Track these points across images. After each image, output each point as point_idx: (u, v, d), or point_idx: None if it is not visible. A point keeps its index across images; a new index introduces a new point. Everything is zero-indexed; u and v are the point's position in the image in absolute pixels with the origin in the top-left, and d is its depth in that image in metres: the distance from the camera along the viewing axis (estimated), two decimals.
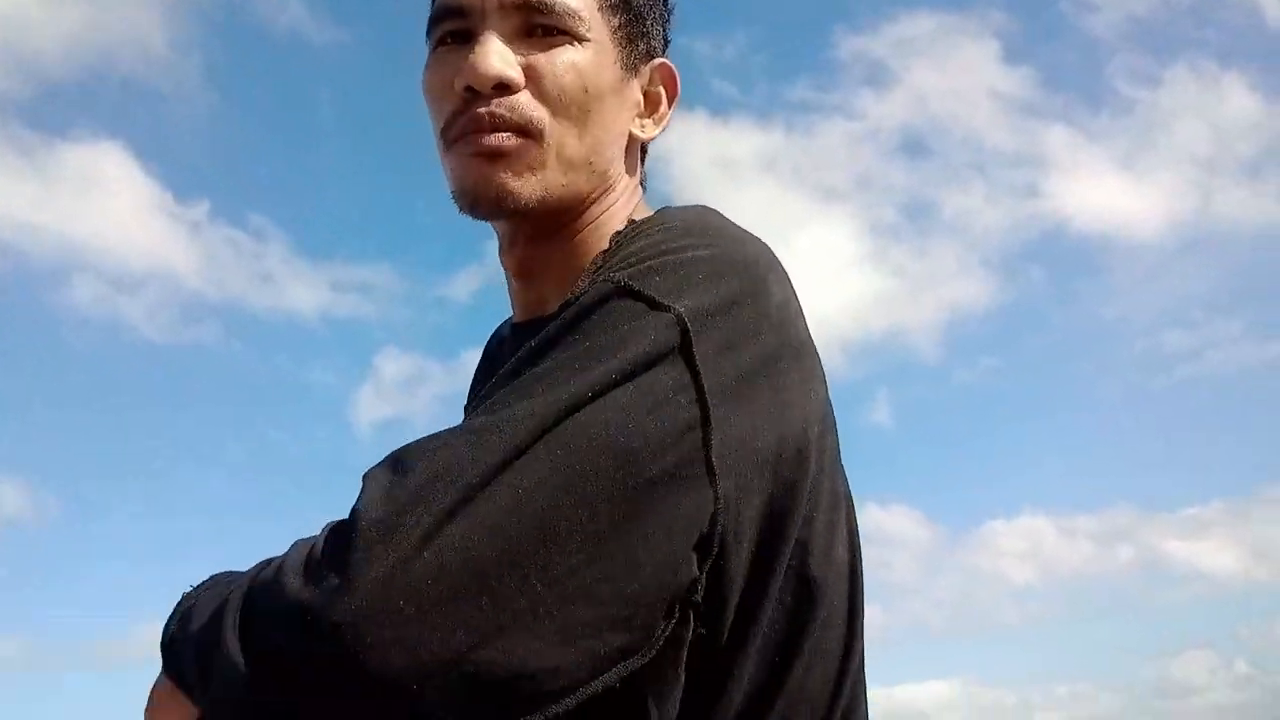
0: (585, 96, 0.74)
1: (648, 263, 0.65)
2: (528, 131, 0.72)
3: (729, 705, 0.66)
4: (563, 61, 0.73)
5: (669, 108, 0.83)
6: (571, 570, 0.54)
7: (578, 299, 0.64)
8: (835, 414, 0.76)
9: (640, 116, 0.82)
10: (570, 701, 0.54)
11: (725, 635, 0.64)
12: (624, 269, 0.65)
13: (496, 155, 0.72)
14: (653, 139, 0.84)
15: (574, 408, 0.57)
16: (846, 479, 0.78)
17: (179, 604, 0.65)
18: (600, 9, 0.76)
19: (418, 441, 0.58)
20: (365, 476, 0.57)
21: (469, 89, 0.72)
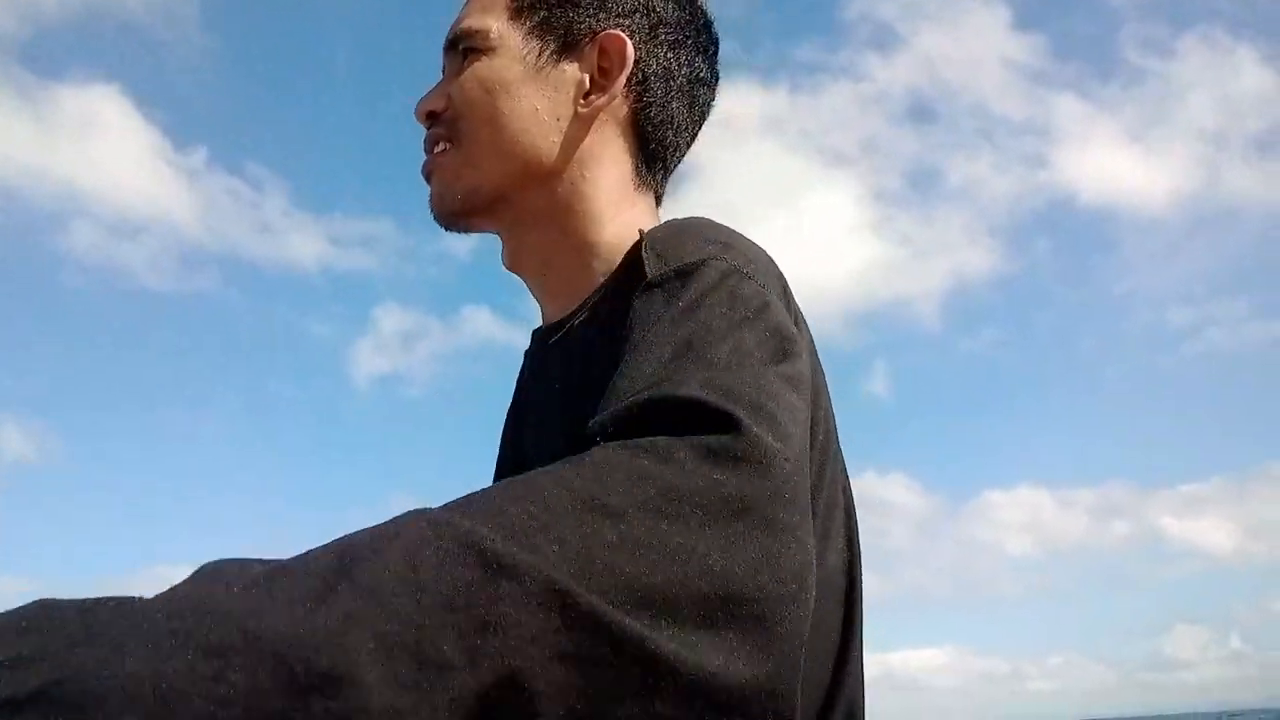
0: (488, 96, 0.81)
1: (731, 252, 0.69)
2: (447, 141, 0.83)
3: None
4: (467, 75, 0.82)
5: (619, 74, 0.82)
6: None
7: (684, 273, 0.66)
8: (831, 378, 0.77)
9: (588, 95, 0.83)
10: None
11: None
12: (708, 255, 0.68)
13: (429, 176, 0.85)
14: (598, 110, 0.83)
15: (803, 378, 0.62)
16: (849, 487, 0.78)
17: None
18: (511, 10, 0.83)
19: (734, 375, 0.57)
20: (717, 404, 0.53)
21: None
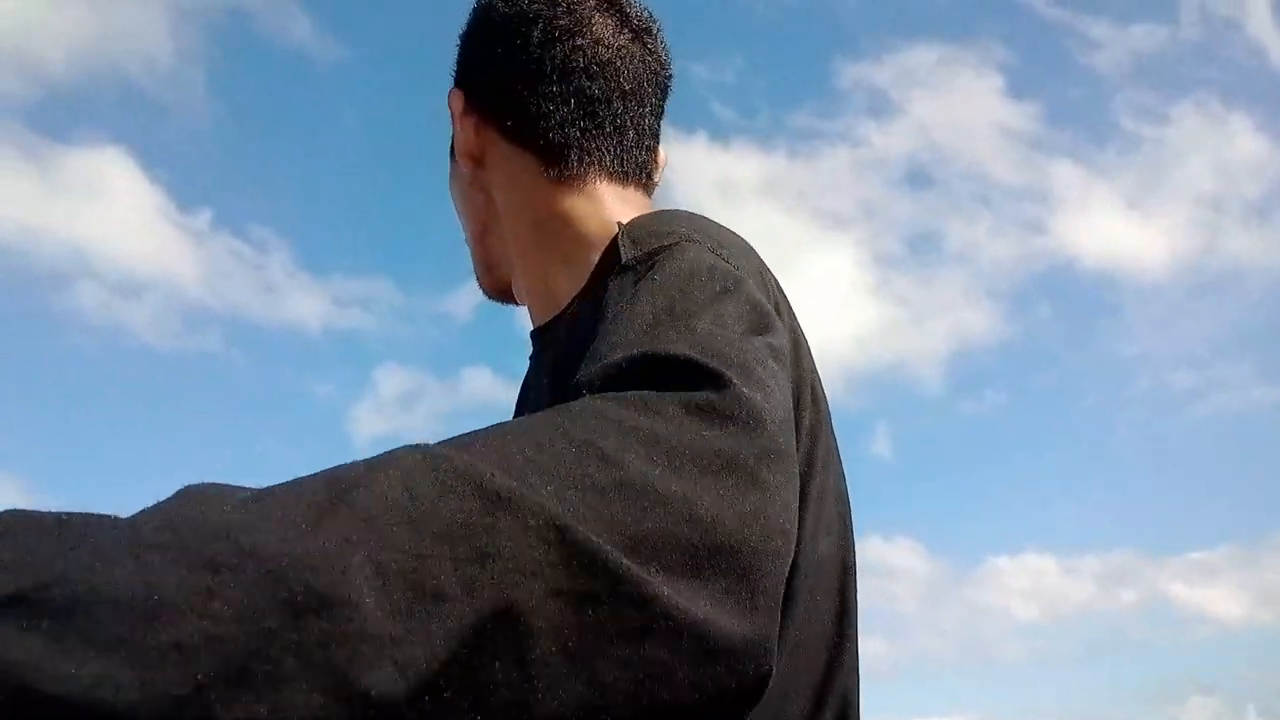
0: (457, 205, 0.96)
1: (700, 234, 0.69)
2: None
3: None
4: None
5: (465, 124, 0.88)
6: None
7: (654, 253, 0.67)
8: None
9: (470, 153, 0.89)
10: None
11: None
12: (684, 235, 0.69)
13: None
14: (467, 162, 0.89)
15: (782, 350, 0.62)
16: (844, 477, 0.78)
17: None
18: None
19: (712, 334, 0.56)
20: (704, 361, 0.53)
21: None
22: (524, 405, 0.94)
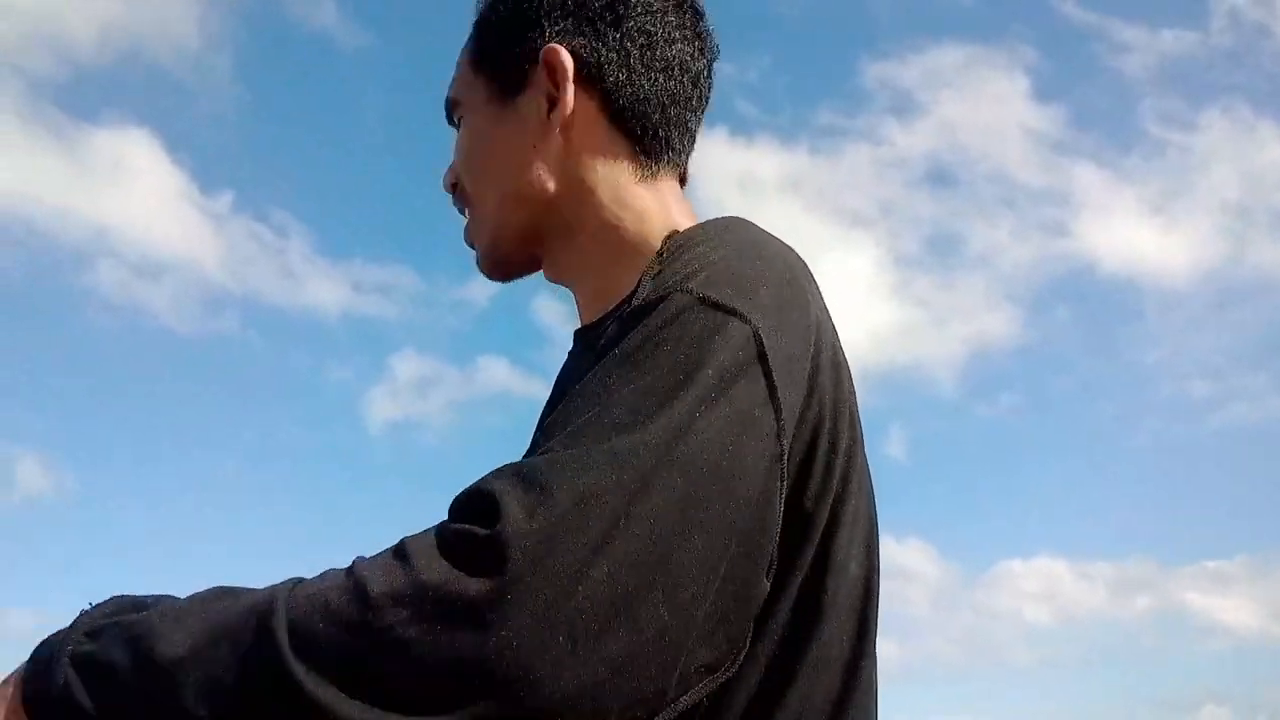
0: (473, 156, 0.88)
1: (711, 271, 0.68)
2: (466, 206, 0.90)
3: (734, 711, 0.66)
4: (458, 145, 0.90)
5: (563, 85, 0.83)
6: (692, 598, 0.58)
7: (652, 305, 0.67)
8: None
9: (551, 111, 0.83)
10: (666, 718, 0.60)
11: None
12: (690, 278, 0.68)
13: (469, 245, 0.91)
14: (554, 126, 0.83)
15: (685, 430, 0.60)
16: (873, 497, 0.78)
17: (77, 636, 0.61)
18: (474, 69, 0.89)
19: (548, 457, 0.59)
20: (492, 490, 0.57)
21: None
22: (557, 402, 0.91)
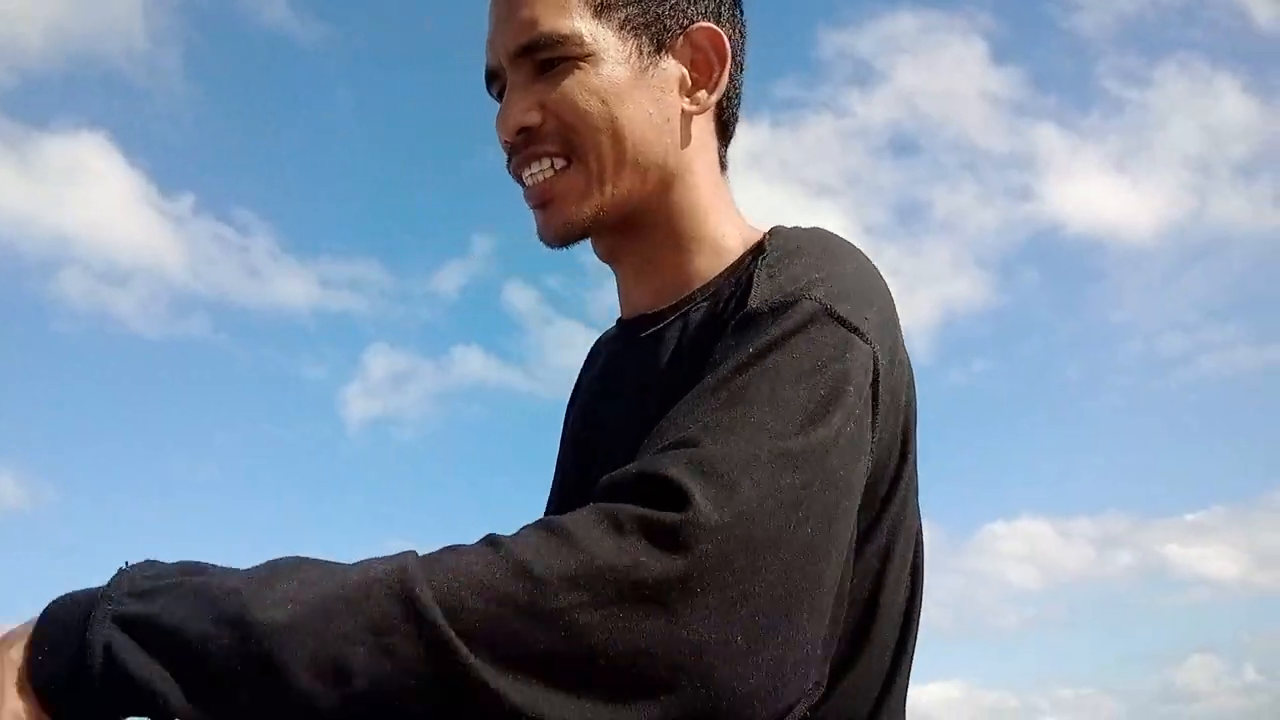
0: (603, 107, 0.77)
1: (831, 284, 0.69)
2: (559, 158, 0.78)
3: None
4: (571, 86, 0.77)
5: (721, 70, 0.81)
6: (826, 607, 0.59)
7: (779, 309, 0.67)
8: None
9: (690, 90, 0.81)
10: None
11: None
12: (814, 285, 0.69)
13: (545, 201, 0.80)
14: (708, 107, 0.83)
15: (833, 444, 0.61)
16: (919, 515, 0.79)
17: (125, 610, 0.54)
18: (594, 12, 0.78)
19: (722, 449, 0.58)
20: (672, 477, 0.56)
21: (506, 144, 0.81)
22: (595, 399, 0.90)
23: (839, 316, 0.66)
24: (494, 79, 0.83)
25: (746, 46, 0.87)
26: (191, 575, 0.55)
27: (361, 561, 0.55)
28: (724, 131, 0.87)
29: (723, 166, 0.87)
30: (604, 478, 0.60)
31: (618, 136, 0.77)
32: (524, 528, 0.56)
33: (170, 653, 0.51)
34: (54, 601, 0.55)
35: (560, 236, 0.80)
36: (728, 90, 0.84)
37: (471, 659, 0.50)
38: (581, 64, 0.77)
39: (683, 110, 0.80)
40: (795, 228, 0.79)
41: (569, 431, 0.94)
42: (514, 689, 0.50)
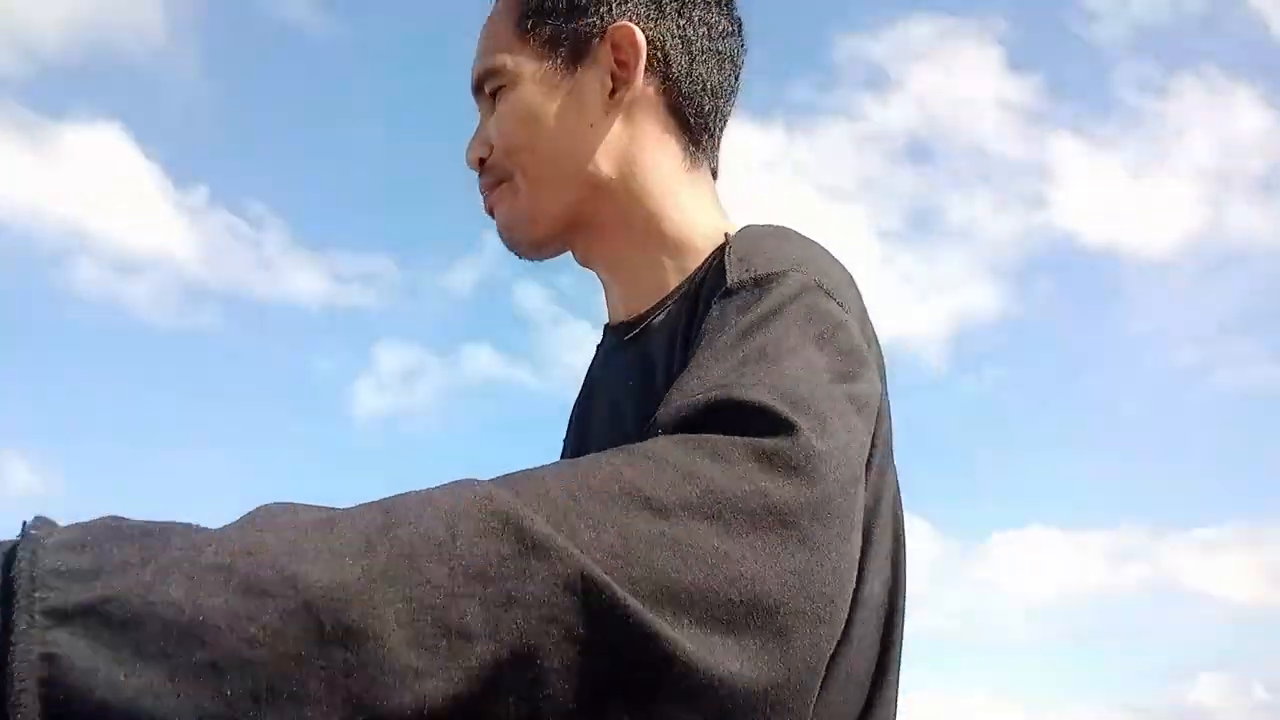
0: (522, 128, 0.81)
1: (810, 264, 0.69)
2: (501, 179, 0.84)
3: None
4: (500, 114, 0.82)
5: (636, 63, 0.81)
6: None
7: (764, 281, 0.66)
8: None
9: (613, 92, 0.82)
10: None
11: None
12: (799, 264, 0.68)
13: (495, 214, 0.85)
14: (625, 105, 0.82)
15: (868, 399, 0.62)
16: (901, 512, 0.77)
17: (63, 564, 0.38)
18: (519, 38, 0.82)
19: (793, 386, 0.56)
20: (772, 405, 0.53)
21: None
22: (590, 406, 0.90)
23: (826, 290, 0.67)
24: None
25: (715, 37, 0.85)
26: (145, 533, 0.41)
27: (397, 496, 0.45)
28: (687, 126, 0.84)
29: (699, 162, 0.85)
30: (660, 413, 0.56)
31: (537, 152, 0.81)
32: (593, 456, 0.50)
33: (171, 655, 0.37)
34: None
35: (511, 242, 0.85)
36: (679, 84, 0.83)
37: (627, 599, 0.43)
38: (507, 92, 0.82)
39: (607, 113, 0.81)
40: (762, 225, 0.79)
41: (571, 431, 0.94)
42: (682, 635, 0.43)
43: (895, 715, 0.74)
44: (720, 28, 0.86)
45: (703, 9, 0.85)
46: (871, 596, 0.70)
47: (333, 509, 0.44)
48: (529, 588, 0.42)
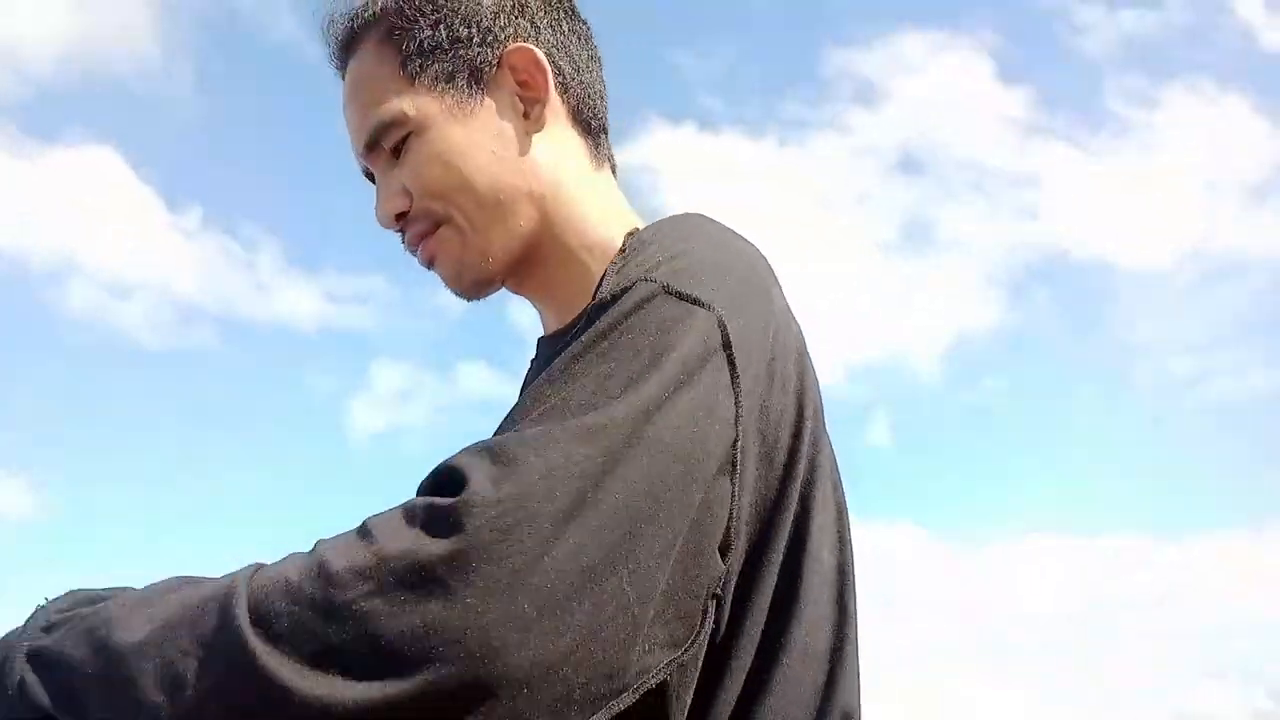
0: (447, 168, 0.80)
1: (674, 263, 0.69)
2: (437, 224, 0.82)
3: (724, 701, 0.67)
4: (415, 162, 0.81)
5: (545, 81, 0.83)
6: (652, 575, 0.58)
7: (617, 296, 0.67)
8: (832, 430, 0.79)
9: (526, 111, 0.83)
10: (629, 699, 0.58)
11: (722, 630, 0.67)
12: (655, 269, 0.68)
13: (431, 261, 0.84)
14: (545, 120, 0.83)
15: (652, 411, 0.61)
16: (841, 485, 0.79)
17: (27, 637, 0.62)
18: (408, 84, 0.81)
19: (516, 434, 0.59)
20: (458, 465, 0.58)
21: (394, 231, 0.86)
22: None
23: (677, 291, 0.66)
24: (367, 175, 0.88)
25: (583, 41, 0.88)
26: (89, 605, 0.61)
27: (223, 576, 0.59)
28: (588, 129, 0.87)
29: (600, 164, 0.88)
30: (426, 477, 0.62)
31: (470, 188, 0.80)
32: (345, 531, 0.59)
33: (59, 683, 0.58)
34: None
35: (468, 292, 0.86)
36: (575, 92, 0.85)
37: (270, 662, 0.53)
38: (416, 137, 0.81)
39: (526, 133, 0.82)
40: (660, 220, 0.80)
41: None
42: (310, 683, 0.52)
43: (859, 680, 0.75)
44: (583, 33, 0.89)
45: (568, 20, 0.88)
46: (820, 564, 0.72)
47: (163, 591, 0.60)
48: (219, 658, 0.54)
